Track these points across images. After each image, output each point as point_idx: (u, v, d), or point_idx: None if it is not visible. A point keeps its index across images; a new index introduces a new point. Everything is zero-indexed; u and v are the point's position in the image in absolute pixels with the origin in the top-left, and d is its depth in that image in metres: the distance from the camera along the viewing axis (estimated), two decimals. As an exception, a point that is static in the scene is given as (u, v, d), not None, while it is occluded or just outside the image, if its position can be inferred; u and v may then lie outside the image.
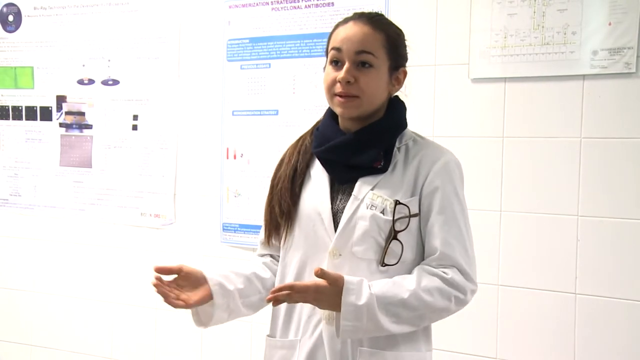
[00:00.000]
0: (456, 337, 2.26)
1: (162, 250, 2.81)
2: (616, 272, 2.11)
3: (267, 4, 2.58)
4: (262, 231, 1.61)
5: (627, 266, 2.10)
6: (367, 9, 2.32)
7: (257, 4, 2.60)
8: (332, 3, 2.47)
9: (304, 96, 2.53)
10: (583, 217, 2.15)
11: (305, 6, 2.52)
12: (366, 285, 1.35)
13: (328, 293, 1.33)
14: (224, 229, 2.69)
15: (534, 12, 2.18)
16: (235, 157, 2.66)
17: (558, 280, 2.18)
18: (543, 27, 2.17)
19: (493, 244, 2.24)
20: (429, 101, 2.31)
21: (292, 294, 1.33)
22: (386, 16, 1.51)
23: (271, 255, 1.63)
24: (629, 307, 2.10)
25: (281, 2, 2.56)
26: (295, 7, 2.53)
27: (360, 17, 1.47)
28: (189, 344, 2.78)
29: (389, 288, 1.37)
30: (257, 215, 2.60)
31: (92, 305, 2.96)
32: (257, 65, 2.61)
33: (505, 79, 2.23)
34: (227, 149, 2.67)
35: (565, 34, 2.14)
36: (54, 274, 3.04)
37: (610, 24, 2.08)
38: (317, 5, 2.49)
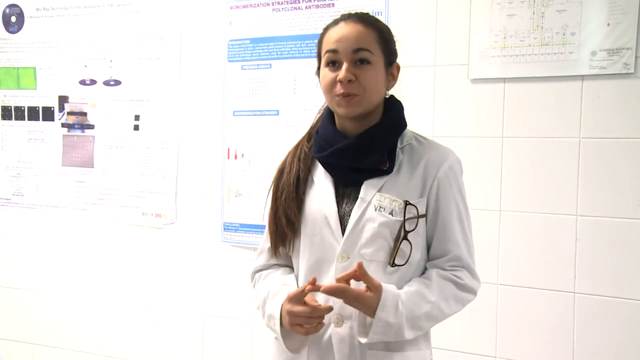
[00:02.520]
0: (456, 336, 2.27)
1: (164, 250, 2.83)
2: (615, 272, 2.12)
3: (268, 4, 2.60)
4: (266, 241, 1.58)
5: (625, 265, 2.11)
6: (367, 9, 2.36)
7: (258, 5, 2.61)
8: (333, 4, 2.48)
9: (304, 96, 2.54)
10: (582, 217, 2.15)
11: (306, 7, 2.53)
12: (399, 302, 1.36)
13: (369, 302, 1.34)
14: (224, 229, 2.70)
15: (533, 12, 2.19)
16: (236, 157, 2.67)
17: (557, 280, 2.18)
18: (542, 27, 2.18)
19: (492, 243, 2.25)
20: (428, 101, 2.32)
21: (346, 293, 1.34)
22: (382, 16, 1.51)
23: (279, 265, 1.60)
24: (628, 306, 2.10)
25: (282, 3, 2.57)
26: (296, 8, 2.55)
27: (349, 17, 1.47)
28: (191, 343, 2.79)
29: (415, 302, 1.38)
30: (258, 215, 2.61)
31: (94, 305, 2.98)
32: (258, 65, 2.62)
33: (504, 80, 2.24)
34: (228, 149, 2.68)
35: (564, 34, 2.15)
36: (56, 273, 3.05)
37: (609, 24, 2.09)
38: (317, 6, 2.50)
